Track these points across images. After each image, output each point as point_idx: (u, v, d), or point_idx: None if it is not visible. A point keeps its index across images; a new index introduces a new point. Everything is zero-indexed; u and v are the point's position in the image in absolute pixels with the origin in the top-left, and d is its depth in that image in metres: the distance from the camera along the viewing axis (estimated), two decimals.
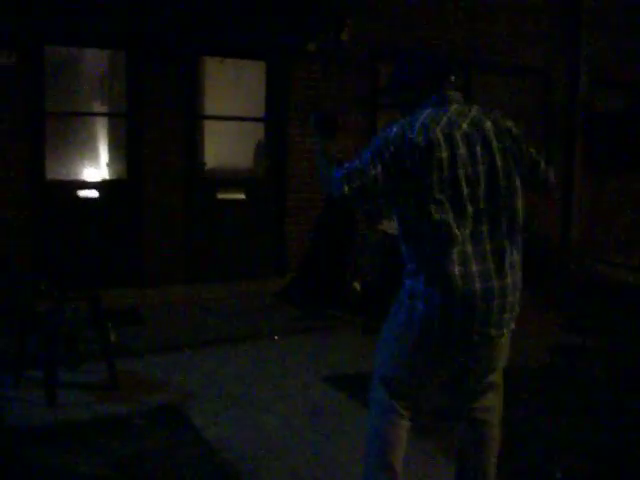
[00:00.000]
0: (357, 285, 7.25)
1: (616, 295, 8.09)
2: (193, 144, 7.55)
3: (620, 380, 5.28)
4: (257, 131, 8.06)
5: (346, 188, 2.61)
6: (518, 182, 2.74)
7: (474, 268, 2.59)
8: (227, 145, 8.28)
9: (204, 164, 7.84)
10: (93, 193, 7.17)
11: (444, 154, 2.59)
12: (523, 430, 4.25)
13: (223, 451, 3.90)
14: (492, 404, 2.93)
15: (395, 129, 2.67)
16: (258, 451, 3.92)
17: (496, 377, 2.92)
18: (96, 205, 7.15)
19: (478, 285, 2.59)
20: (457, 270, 2.57)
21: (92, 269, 6.89)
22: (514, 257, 2.71)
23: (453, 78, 2.84)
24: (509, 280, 2.66)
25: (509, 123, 2.79)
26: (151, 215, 7.23)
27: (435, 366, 2.82)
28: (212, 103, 8.17)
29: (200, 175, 7.68)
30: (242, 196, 7.77)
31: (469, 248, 2.60)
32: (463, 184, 2.60)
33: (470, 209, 2.61)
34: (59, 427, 4.21)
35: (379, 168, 2.60)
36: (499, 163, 2.67)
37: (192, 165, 7.53)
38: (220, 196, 7.66)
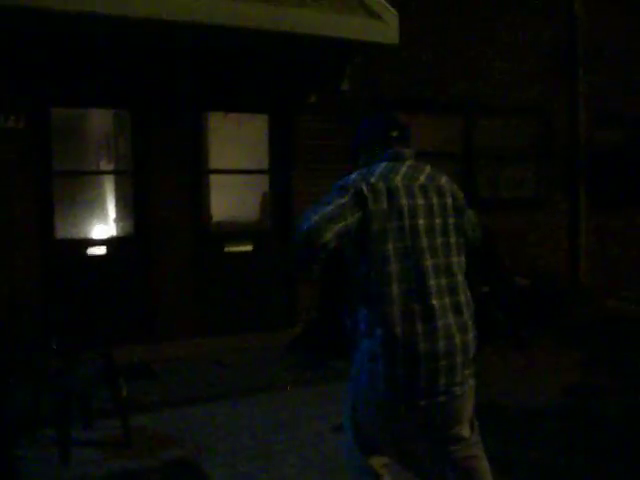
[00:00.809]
0: None
1: (629, 331, 8.07)
2: (199, 198, 7.63)
3: (636, 420, 5.23)
4: (262, 183, 8.14)
5: (328, 235, 2.54)
6: (462, 239, 2.77)
7: (427, 326, 2.54)
8: (233, 198, 8.35)
9: (211, 218, 7.91)
10: (102, 250, 7.24)
11: (403, 201, 2.61)
12: (539, 471, 4.21)
13: None
14: (470, 452, 2.80)
15: (354, 176, 2.69)
16: None
17: (464, 427, 2.78)
18: (105, 262, 7.21)
19: (442, 343, 2.54)
20: (418, 328, 2.53)
21: (103, 326, 6.88)
22: (468, 313, 2.68)
23: (395, 133, 2.85)
24: (470, 336, 2.65)
25: (455, 186, 2.84)
26: (160, 270, 7.28)
27: (401, 424, 2.73)
28: (217, 157, 8.27)
29: (207, 229, 7.74)
30: (250, 248, 7.81)
31: (426, 303, 2.56)
32: (422, 235, 2.62)
33: (429, 262, 2.60)
34: None
35: (346, 205, 2.57)
36: (450, 218, 2.72)
37: (199, 219, 7.59)
38: (228, 249, 7.70)
